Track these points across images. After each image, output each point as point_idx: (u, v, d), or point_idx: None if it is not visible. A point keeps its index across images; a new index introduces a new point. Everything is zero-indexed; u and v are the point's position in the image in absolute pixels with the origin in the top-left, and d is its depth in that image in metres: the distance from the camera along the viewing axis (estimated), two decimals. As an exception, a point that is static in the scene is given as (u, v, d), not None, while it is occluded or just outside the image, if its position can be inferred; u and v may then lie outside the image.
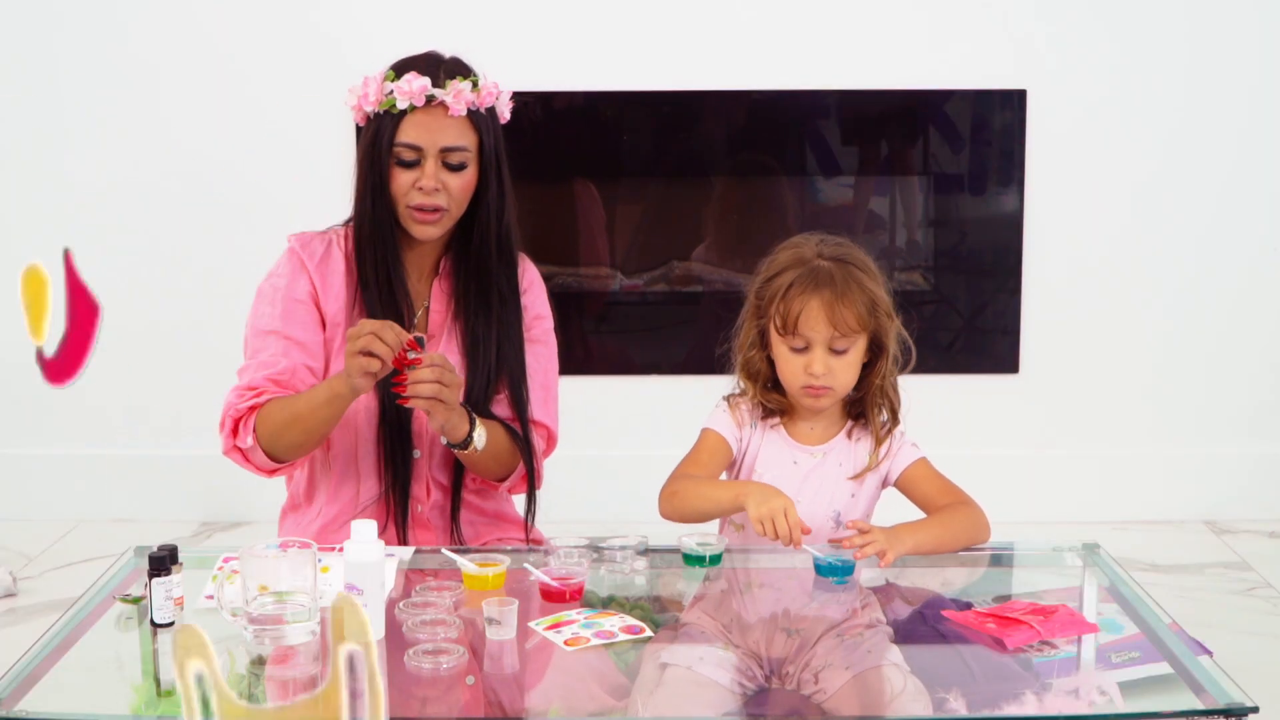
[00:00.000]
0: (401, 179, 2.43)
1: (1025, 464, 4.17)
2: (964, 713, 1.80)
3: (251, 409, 2.38)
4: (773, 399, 2.41)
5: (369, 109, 2.44)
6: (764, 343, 2.40)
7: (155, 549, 2.06)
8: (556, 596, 2.12)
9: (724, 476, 2.44)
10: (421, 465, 2.51)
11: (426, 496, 2.52)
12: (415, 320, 2.51)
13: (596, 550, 2.30)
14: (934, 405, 4.21)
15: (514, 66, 3.99)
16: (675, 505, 2.35)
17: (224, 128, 4.03)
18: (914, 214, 4.23)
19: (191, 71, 4.00)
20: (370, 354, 2.21)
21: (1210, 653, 2.05)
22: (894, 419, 2.43)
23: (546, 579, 2.13)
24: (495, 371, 2.50)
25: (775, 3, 3.99)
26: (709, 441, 2.42)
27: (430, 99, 2.40)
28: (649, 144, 4.10)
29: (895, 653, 1.99)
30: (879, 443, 2.41)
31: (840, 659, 1.98)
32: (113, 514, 4.13)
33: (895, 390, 2.43)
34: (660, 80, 4.02)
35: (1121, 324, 4.14)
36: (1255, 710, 1.77)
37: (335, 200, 3.93)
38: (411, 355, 2.24)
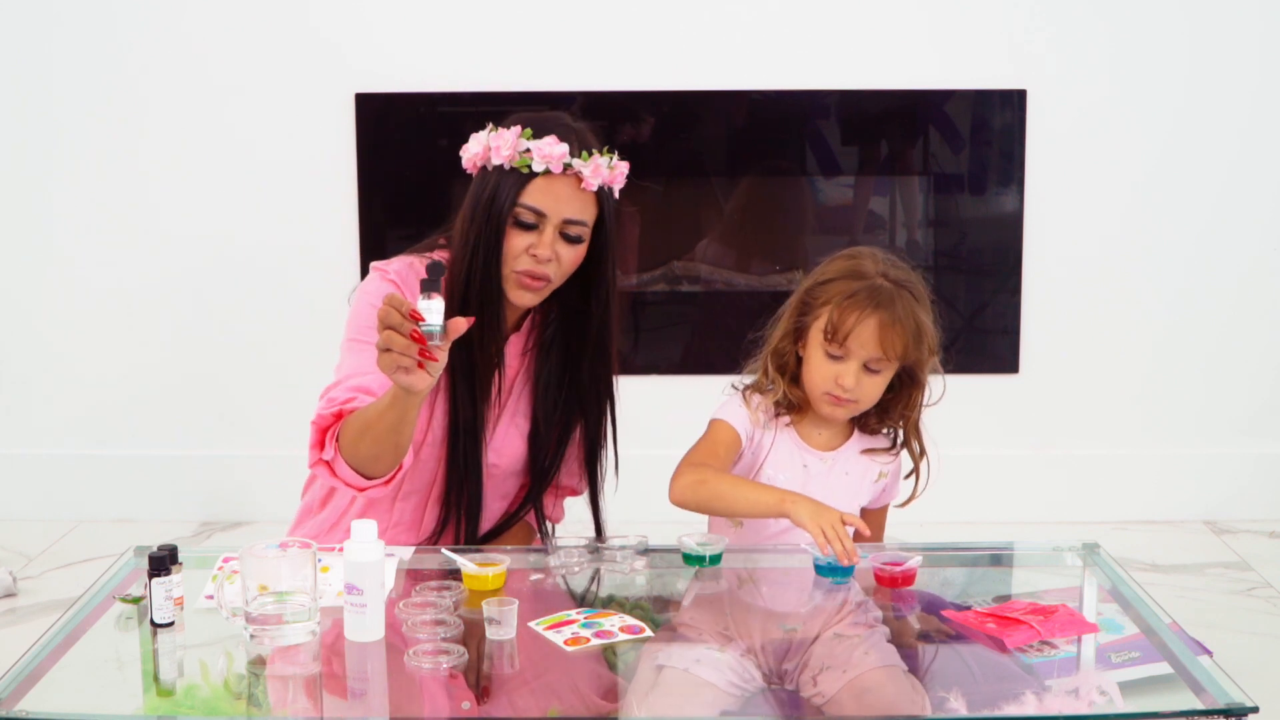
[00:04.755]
0: (516, 241, 2.33)
1: (1025, 464, 4.17)
2: (964, 713, 1.80)
3: (338, 416, 2.27)
4: (795, 393, 2.42)
5: (499, 163, 2.32)
6: (798, 338, 2.41)
7: (155, 549, 2.06)
8: (889, 582, 2.18)
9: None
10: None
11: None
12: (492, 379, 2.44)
13: (596, 550, 2.31)
14: (934, 405, 4.24)
15: (514, 66, 4.03)
16: (700, 495, 2.32)
17: (224, 133, 4.03)
18: (914, 214, 4.22)
19: (187, 89, 4.00)
20: (389, 350, 2.04)
21: (1210, 653, 2.05)
22: (923, 455, 2.48)
23: (881, 566, 2.19)
24: (562, 440, 2.51)
25: (775, 3, 3.99)
26: (722, 433, 2.40)
27: (567, 167, 2.31)
28: (649, 144, 4.10)
29: (894, 653, 2.00)
30: (918, 478, 2.47)
31: (839, 660, 1.98)
32: (113, 514, 4.13)
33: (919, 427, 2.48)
34: (660, 80, 4.02)
35: (1121, 324, 4.14)
36: (1255, 710, 1.77)
37: (336, 201, 3.93)
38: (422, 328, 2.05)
